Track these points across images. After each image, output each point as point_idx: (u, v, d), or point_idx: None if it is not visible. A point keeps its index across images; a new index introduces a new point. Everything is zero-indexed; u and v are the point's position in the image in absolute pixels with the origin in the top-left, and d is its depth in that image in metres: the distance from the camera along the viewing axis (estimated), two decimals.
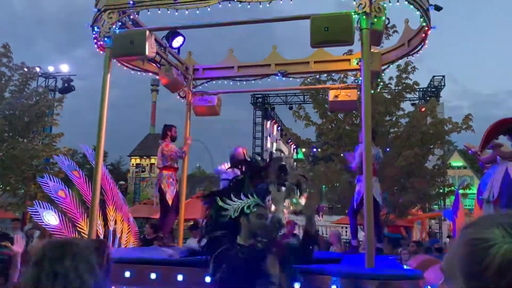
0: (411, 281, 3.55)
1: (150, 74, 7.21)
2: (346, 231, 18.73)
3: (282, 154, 3.07)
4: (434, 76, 21.36)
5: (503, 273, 0.76)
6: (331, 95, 6.94)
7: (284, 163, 2.87)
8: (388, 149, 12.42)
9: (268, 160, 2.92)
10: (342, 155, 7.34)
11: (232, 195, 2.73)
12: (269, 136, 25.56)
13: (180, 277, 4.24)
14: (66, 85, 17.34)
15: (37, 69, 16.89)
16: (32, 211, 5.46)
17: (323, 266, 3.98)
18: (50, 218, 5.39)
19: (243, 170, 2.88)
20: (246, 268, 2.53)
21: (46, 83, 18.21)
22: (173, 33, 6.57)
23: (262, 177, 2.78)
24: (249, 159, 3.05)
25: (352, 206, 6.39)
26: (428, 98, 19.72)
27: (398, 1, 4.78)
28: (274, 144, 25.19)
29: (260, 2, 4.80)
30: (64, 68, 18.33)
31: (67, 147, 15.55)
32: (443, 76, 21.24)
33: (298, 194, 2.83)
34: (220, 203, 2.72)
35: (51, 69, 18.47)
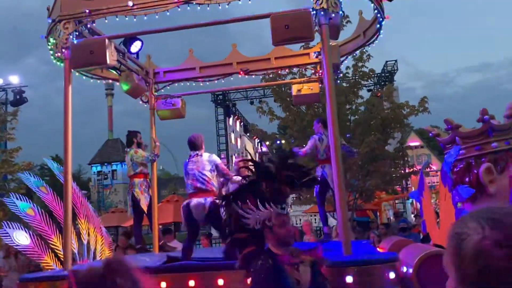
0: (389, 263, 3.72)
1: (110, 81, 7.09)
2: (315, 219, 19.15)
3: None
4: (387, 61, 22.07)
5: (475, 261, 0.87)
6: (294, 89, 7.08)
7: (292, 161, 2.71)
8: (348, 135, 12.77)
9: (278, 161, 2.69)
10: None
11: (249, 202, 2.59)
12: (233, 132, 25.62)
13: (163, 285, 4.23)
14: (18, 97, 16.62)
15: None
16: (1, 233, 5.27)
17: None
18: (21, 238, 5.23)
19: (255, 172, 2.72)
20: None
21: None
22: (130, 38, 6.48)
23: (276, 180, 2.62)
24: (259, 161, 2.84)
25: (317, 195, 6.75)
26: (382, 83, 20.38)
27: None
28: (239, 140, 25.27)
29: (219, 3, 4.83)
30: (14, 79, 17.56)
31: (26, 162, 14.96)
32: (396, 61, 21.98)
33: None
34: (238, 209, 2.60)
35: (0, 81, 17.67)
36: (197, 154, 5.32)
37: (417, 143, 37.59)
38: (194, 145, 5.39)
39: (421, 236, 8.09)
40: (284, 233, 2.53)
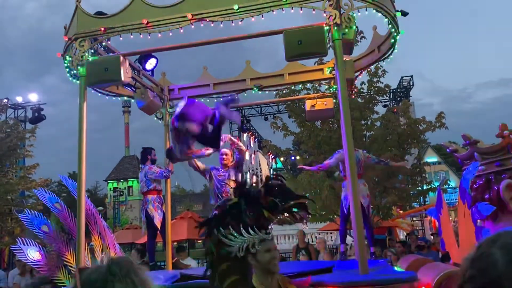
0: (407, 283, 3.60)
1: (125, 98, 7.16)
2: (332, 237, 18.87)
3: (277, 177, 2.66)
4: (402, 77, 21.92)
5: None
6: (308, 105, 7.04)
7: (281, 186, 2.51)
8: (365, 151, 12.63)
9: (264, 186, 2.49)
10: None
11: (231, 228, 2.42)
12: (247, 148, 25.60)
13: None
14: (36, 114, 16.95)
15: (5, 101, 16.51)
16: (15, 249, 5.29)
17: (319, 277, 3.99)
18: (35, 254, 5.24)
19: (238, 194, 2.53)
20: None
21: (15, 114, 17.79)
22: (145, 55, 6.56)
23: (259, 204, 2.45)
24: (244, 185, 2.60)
25: (342, 212, 6.64)
26: (398, 99, 20.21)
27: (366, 10, 4.90)
28: (253, 156, 25.23)
29: (232, 20, 4.85)
30: (33, 97, 17.95)
31: (43, 178, 15.17)
32: (411, 76, 21.81)
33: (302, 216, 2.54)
34: (220, 236, 2.43)
35: (19, 99, 18.07)
36: None
37: (434, 159, 37.02)
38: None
39: (440, 255, 7.87)
40: (268, 259, 2.38)
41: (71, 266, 5.43)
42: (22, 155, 15.34)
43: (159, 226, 6.55)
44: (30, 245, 5.32)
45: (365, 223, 6.47)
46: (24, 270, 7.44)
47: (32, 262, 5.32)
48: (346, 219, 6.64)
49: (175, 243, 11.84)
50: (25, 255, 5.21)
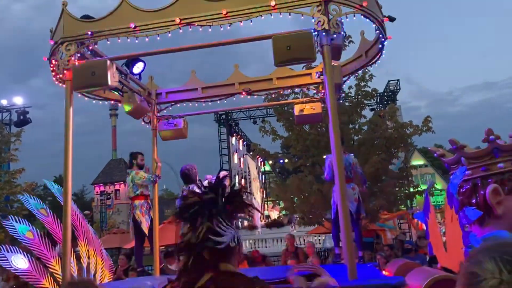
0: None
1: (112, 102, 7.09)
2: (320, 240, 18.92)
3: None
4: (389, 81, 22.14)
5: None
6: (297, 109, 7.05)
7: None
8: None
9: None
10: (310, 164, 7.64)
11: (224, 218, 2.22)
12: (236, 151, 25.57)
13: None
14: (21, 117, 16.72)
15: None
16: None
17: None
18: (19, 262, 5.13)
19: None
20: None
21: (0, 117, 17.53)
22: (133, 59, 6.50)
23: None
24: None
25: (333, 216, 6.71)
26: (385, 102, 20.39)
27: (354, 16, 4.92)
28: (242, 159, 25.21)
29: (220, 25, 4.83)
30: (18, 100, 17.70)
31: (28, 182, 14.95)
32: (398, 80, 22.05)
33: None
34: (214, 221, 2.02)
35: (4, 102, 17.80)
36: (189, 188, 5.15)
37: (421, 162, 37.37)
38: (188, 178, 5.08)
39: (428, 258, 7.94)
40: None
41: (56, 273, 5.33)
42: (6, 159, 15.09)
43: (146, 231, 6.49)
44: (15, 252, 5.21)
45: (353, 227, 6.50)
46: (8, 276, 7.30)
47: (16, 269, 5.21)
48: (336, 222, 6.70)
49: (163, 247, 11.73)
50: (9, 262, 5.10)
